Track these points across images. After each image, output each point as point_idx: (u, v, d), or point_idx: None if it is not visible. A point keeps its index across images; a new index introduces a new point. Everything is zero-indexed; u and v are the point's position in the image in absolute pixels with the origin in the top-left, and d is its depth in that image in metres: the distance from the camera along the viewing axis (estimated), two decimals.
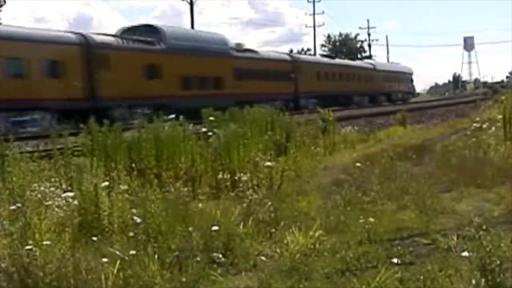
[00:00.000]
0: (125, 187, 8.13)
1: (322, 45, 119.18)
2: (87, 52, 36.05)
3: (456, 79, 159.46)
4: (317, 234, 6.68)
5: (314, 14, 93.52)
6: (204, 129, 12.34)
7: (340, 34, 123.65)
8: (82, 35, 36.82)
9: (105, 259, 5.65)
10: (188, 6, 61.29)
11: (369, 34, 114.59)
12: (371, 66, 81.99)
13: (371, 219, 7.05)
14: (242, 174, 9.53)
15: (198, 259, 6.04)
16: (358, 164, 11.24)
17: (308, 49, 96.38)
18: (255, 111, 16.94)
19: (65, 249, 5.78)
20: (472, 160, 11.42)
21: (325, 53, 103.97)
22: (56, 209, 7.09)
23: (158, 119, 11.44)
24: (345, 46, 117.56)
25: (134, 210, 7.21)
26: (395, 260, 5.94)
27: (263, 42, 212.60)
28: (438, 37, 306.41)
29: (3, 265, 5.44)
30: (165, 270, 5.73)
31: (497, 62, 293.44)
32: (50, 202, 7.15)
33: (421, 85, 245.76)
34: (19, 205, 6.70)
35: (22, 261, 5.34)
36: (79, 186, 7.58)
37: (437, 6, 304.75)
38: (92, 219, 7.18)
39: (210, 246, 6.41)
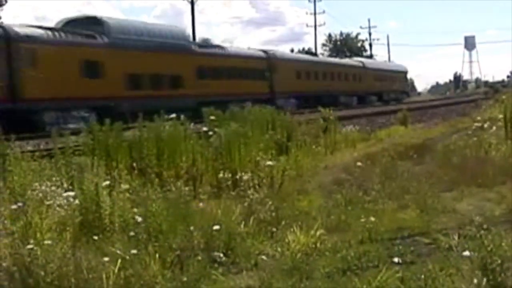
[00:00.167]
0: (126, 186, 8.14)
1: (323, 45, 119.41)
2: (7, 46, 31.54)
3: (457, 78, 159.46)
4: (318, 233, 6.68)
5: (315, 13, 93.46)
6: (205, 128, 12.33)
7: (341, 34, 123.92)
8: (1, 27, 32.81)
9: (106, 258, 5.65)
10: (189, 6, 61.22)
11: (370, 34, 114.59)
12: (360, 64, 77.38)
13: (372, 218, 7.06)
14: (243, 174, 9.54)
15: (199, 258, 6.04)
16: (359, 163, 11.23)
17: (309, 49, 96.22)
18: (256, 110, 16.94)
19: (66, 248, 5.78)
20: (473, 159, 11.42)
21: (326, 52, 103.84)
22: (57, 208, 7.09)
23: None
24: (346, 46, 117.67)
25: (135, 209, 7.21)
26: (396, 260, 5.94)
27: (264, 41, 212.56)
28: (439, 36, 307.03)
29: (4, 264, 5.44)
30: (166, 270, 5.73)
31: (498, 62, 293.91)
32: (51, 202, 7.15)
33: (422, 84, 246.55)
34: (20, 204, 6.70)
35: (23, 260, 5.35)
36: (80, 185, 7.59)
37: (438, 6, 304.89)
38: (93, 218, 7.18)
39: (211, 245, 6.41)
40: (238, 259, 6.25)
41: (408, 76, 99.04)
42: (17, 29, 32.85)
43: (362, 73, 74.68)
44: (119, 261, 5.60)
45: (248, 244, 6.64)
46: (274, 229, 7.20)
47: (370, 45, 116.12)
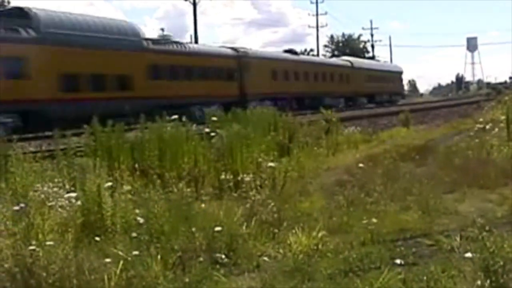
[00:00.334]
0: (128, 187, 8.15)
1: (325, 46, 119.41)
2: None
3: (459, 79, 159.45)
4: (320, 234, 6.68)
5: (317, 14, 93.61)
6: (207, 130, 12.34)
7: (343, 35, 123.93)
8: None
9: (108, 260, 5.65)
10: (191, 7, 61.29)
11: (372, 35, 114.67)
12: (348, 64, 72.70)
13: (374, 220, 7.05)
14: (245, 175, 9.53)
15: (201, 259, 6.04)
16: (361, 165, 11.22)
17: (311, 50, 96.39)
18: (258, 111, 16.95)
19: (68, 249, 5.77)
20: (475, 161, 11.41)
21: (328, 53, 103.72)
22: (59, 209, 7.10)
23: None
24: (348, 47, 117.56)
25: (137, 211, 7.21)
26: (398, 261, 5.94)
27: (266, 42, 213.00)
28: (441, 37, 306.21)
29: (6, 265, 5.44)
30: (168, 271, 5.73)
31: (500, 63, 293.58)
32: (53, 203, 7.16)
33: (424, 85, 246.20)
34: (22, 205, 6.69)
35: (25, 262, 5.35)
36: (82, 186, 7.59)
37: (440, 7, 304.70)
38: (95, 220, 7.18)
39: (213, 246, 6.41)
40: (240, 261, 6.25)
41: (411, 77, 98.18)
42: None
43: (350, 73, 70.50)
44: (121, 262, 5.60)
45: (250, 246, 6.64)
46: (276, 231, 7.19)
47: (372, 46, 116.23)
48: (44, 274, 5.25)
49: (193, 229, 6.52)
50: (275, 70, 54.64)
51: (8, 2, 58.65)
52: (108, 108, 29.37)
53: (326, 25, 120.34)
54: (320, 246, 6.53)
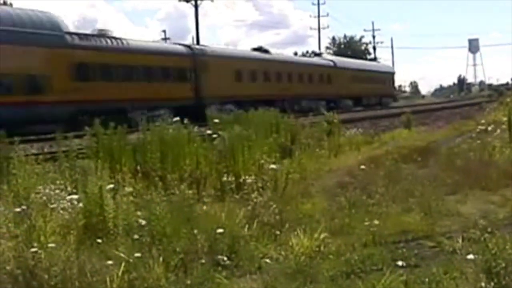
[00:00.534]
0: (130, 189, 8.15)
1: (327, 48, 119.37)
2: None
3: (461, 81, 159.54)
4: (322, 236, 6.67)
5: (319, 16, 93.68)
6: (208, 132, 12.34)
7: (345, 36, 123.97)
8: None
9: (110, 262, 5.66)
10: (193, 8, 61.32)
11: (373, 37, 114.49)
12: (330, 63, 66.36)
13: (376, 222, 7.05)
14: (246, 177, 9.55)
15: (203, 261, 6.04)
16: (362, 167, 11.23)
17: (313, 52, 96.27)
18: (260, 113, 16.96)
19: (70, 251, 5.78)
20: (477, 162, 11.41)
21: (330, 56, 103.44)
22: (61, 211, 7.11)
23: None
24: (350, 49, 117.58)
25: (139, 213, 7.22)
26: (400, 263, 5.94)
27: (268, 44, 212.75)
28: (443, 39, 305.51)
29: (8, 267, 5.45)
30: (170, 273, 5.73)
31: (502, 64, 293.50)
32: (55, 205, 7.17)
33: (426, 87, 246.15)
34: (24, 207, 6.71)
35: (27, 264, 5.35)
36: (84, 188, 7.59)
37: (442, 8, 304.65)
38: (97, 222, 7.18)
39: (215, 248, 6.41)
40: (241, 262, 6.25)
41: (412, 79, 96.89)
42: None
43: (332, 73, 64.33)
44: (123, 264, 5.61)
45: (252, 247, 6.64)
46: (278, 232, 7.19)
47: (374, 48, 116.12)
48: (46, 276, 5.25)
49: (195, 231, 6.52)
50: (239, 70, 48.82)
51: (11, 4, 58.64)
52: (16, 114, 27.36)
53: (328, 26, 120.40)
54: (322, 248, 6.53)
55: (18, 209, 6.73)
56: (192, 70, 43.43)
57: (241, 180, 9.76)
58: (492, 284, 4.91)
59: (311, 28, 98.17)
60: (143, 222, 6.76)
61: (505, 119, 14.96)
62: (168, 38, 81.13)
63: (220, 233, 6.53)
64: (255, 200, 8.08)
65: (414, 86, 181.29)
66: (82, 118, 18.44)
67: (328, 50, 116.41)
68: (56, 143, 11.10)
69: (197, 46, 46.60)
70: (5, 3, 56.97)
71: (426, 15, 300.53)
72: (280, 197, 9.04)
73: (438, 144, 16.49)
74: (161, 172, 10.32)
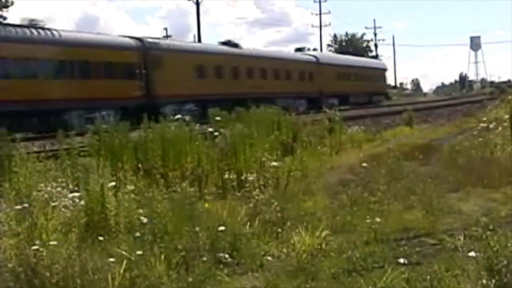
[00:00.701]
0: (132, 187, 8.14)
1: (329, 45, 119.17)
2: None
3: (463, 78, 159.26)
4: (323, 234, 6.67)
5: (320, 14, 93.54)
6: (210, 129, 12.34)
7: (347, 34, 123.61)
8: None
9: (111, 259, 5.66)
10: (194, 6, 61.22)
11: (375, 34, 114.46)
12: (312, 59, 61.42)
13: (378, 219, 7.05)
14: (248, 174, 9.55)
15: (205, 259, 6.04)
16: (364, 164, 11.23)
17: (315, 49, 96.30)
18: (262, 111, 16.96)
19: (72, 249, 5.78)
20: (479, 160, 11.41)
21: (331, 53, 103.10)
22: (63, 209, 7.11)
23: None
24: (352, 46, 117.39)
25: (140, 210, 7.21)
26: (401, 260, 5.94)
27: (269, 42, 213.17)
28: (444, 36, 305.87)
29: (10, 265, 5.46)
30: (171, 270, 5.73)
31: (504, 62, 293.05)
32: (56, 203, 7.16)
33: (427, 84, 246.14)
34: (25, 205, 6.71)
35: (29, 261, 5.36)
36: (86, 186, 7.59)
37: (444, 6, 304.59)
38: (98, 219, 7.19)
39: (216, 246, 6.41)
40: (243, 260, 6.25)
41: (414, 76, 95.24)
42: None
43: (315, 70, 59.56)
44: (125, 262, 5.60)
45: (254, 245, 6.64)
46: (280, 230, 7.20)
47: (376, 45, 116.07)
48: (48, 273, 5.26)
49: (197, 229, 6.52)
50: (202, 66, 44.06)
51: (12, 3, 58.60)
52: None
53: (329, 24, 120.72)
54: (323, 246, 6.52)
55: (19, 207, 6.73)
56: (142, 66, 38.31)
57: (242, 177, 9.76)
58: (494, 281, 4.90)
59: (312, 26, 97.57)
60: (145, 220, 6.76)
61: (506, 116, 14.94)
62: (170, 36, 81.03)
63: (221, 231, 6.53)
64: (256, 197, 8.08)
65: (415, 83, 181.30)
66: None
67: (329, 48, 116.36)
68: (57, 141, 11.09)
69: (149, 39, 41.00)
70: (6, 5, 56.90)
71: (428, 13, 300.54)
72: (282, 195, 9.04)
73: (439, 141, 16.50)
74: (163, 170, 10.33)
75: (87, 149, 10.52)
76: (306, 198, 9.26)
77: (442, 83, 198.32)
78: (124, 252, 5.91)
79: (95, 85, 34.20)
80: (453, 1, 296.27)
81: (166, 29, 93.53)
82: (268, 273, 5.82)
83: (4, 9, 56.50)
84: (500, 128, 14.21)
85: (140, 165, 10.42)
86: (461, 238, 6.57)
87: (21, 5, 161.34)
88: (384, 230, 6.95)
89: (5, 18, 54.06)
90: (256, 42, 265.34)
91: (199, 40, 57.46)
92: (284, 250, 6.54)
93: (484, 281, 4.95)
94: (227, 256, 6.26)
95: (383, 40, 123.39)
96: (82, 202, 7.24)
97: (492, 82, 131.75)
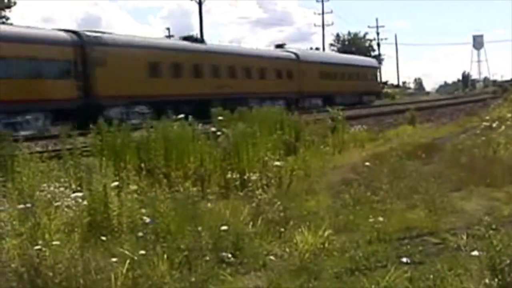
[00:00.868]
0: (134, 187, 8.15)
1: (331, 45, 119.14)
2: None
3: (466, 77, 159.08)
4: (326, 233, 6.67)
5: (323, 13, 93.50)
6: (213, 129, 12.34)
7: (349, 33, 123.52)
8: None
9: (114, 259, 5.66)
10: (196, 6, 61.22)
11: (378, 33, 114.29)
12: (292, 56, 56.16)
13: (380, 218, 7.05)
14: (251, 174, 9.55)
15: (207, 258, 6.04)
16: (367, 163, 11.21)
17: (317, 48, 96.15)
18: (264, 110, 16.96)
19: (75, 249, 5.79)
20: (482, 159, 11.38)
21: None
22: (66, 209, 7.11)
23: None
24: (354, 45, 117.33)
25: (143, 210, 7.21)
26: (404, 259, 5.94)
27: (272, 41, 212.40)
28: (447, 35, 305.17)
29: (13, 265, 5.46)
30: (174, 270, 5.74)
31: (506, 61, 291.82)
32: (59, 203, 7.17)
33: (430, 84, 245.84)
34: (28, 205, 6.72)
35: (32, 261, 5.36)
36: (89, 186, 7.60)
37: (446, 5, 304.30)
38: (101, 219, 7.20)
39: (219, 245, 6.41)
40: (246, 260, 6.25)
41: (417, 75, 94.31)
42: None
43: (294, 68, 54.73)
44: (128, 261, 5.61)
45: (256, 245, 6.64)
46: (282, 229, 7.19)
47: (378, 44, 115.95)
48: (51, 273, 5.26)
49: (199, 228, 6.52)
50: (155, 63, 39.17)
51: (14, 3, 58.72)
52: None
53: (332, 23, 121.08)
54: (326, 245, 6.52)
55: (22, 207, 6.74)
56: (80, 63, 33.74)
57: (245, 177, 9.76)
58: (497, 280, 4.90)
59: (315, 25, 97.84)
60: (148, 220, 6.77)
61: (509, 115, 14.98)
62: (172, 36, 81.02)
63: (224, 230, 6.53)
64: (259, 197, 8.07)
65: (418, 82, 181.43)
66: None
67: (332, 47, 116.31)
68: (60, 141, 11.10)
69: (89, 33, 35.92)
70: (9, 5, 56.97)
71: (430, 12, 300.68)
72: (285, 194, 9.05)
73: (442, 140, 16.48)
74: (166, 170, 10.32)
75: (90, 149, 10.53)
76: (309, 197, 9.25)
77: (445, 82, 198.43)
78: (127, 252, 5.91)
79: (17, 85, 29.77)
80: (456, 0, 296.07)
81: (168, 29, 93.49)
82: (271, 273, 5.83)
83: (7, 9, 56.54)
84: (503, 127, 14.22)
85: (142, 165, 10.42)
86: (464, 237, 6.57)
87: (22, 5, 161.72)
88: (387, 229, 6.95)
89: (7, 19, 54.16)
90: (258, 41, 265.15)
91: (202, 40, 57.18)
92: (287, 249, 6.54)
93: (487, 280, 4.95)
94: (229, 255, 6.26)
95: (385, 39, 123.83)
96: (85, 202, 7.24)
97: (495, 81, 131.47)
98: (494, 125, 14.67)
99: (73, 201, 7.21)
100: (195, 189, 8.27)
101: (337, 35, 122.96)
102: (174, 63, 40.78)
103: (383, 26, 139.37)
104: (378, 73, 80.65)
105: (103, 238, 6.64)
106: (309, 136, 15.88)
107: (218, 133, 11.76)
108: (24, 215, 6.61)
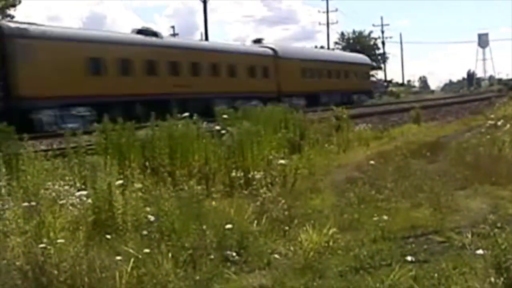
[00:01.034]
0: (139, 185, 8.15)
1: (336, 43, 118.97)
2: None
3: (471, 76, 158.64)
4: (330, 232, 6.66)
5: (327, 11, 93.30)
6: (217, 127, 12.34)
7: (354, 32, 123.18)
8: None
9: (119, 257, 5.66)
10: (201, 4, 61.12)
11: (382, 32, 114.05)
12: (268, 52, 51.03)
13: (385, 217, 7.05)
14: (255, 172, 9.54)
15: (212, 257, 6.05)
16: (372, 162, 11.21)
17: (322, 47, 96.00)
18: (269, 109, 16.96)
19: (79, 247, 5.78)
20: (487, 157, 11.36)
21: (338, 51, 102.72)
22: (70, 207, 7.11)
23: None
24: (359, 44, 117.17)
25: (148, 209, 7.22)
26: (409, 258, 5.93)
27: (277, 40, 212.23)
28: (452, 34, 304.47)
29: (18, 263, 5.46)
30: (179, 268, 5.73)
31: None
32: (64, 201, 7.17)
33: (435, 82, 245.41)
34: (33, 203, 6.72)
35: (37, 259, 5.37)
36: (93, 184, 7.61)
37: (451, 3, 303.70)
38: (106, 218, 7.20)
39: (223, 244, 6.42)
40: (250, 258, 6.25)
41: (422, 74, 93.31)
42: None
43: (271, 65, 49.95)
44: (132, 260, 5.61)
45: (261, 243, 6.64)
46: (287, 228, 7.20)
47: (383, 43, 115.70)
48: (56, 272, 5.27)
49: (204, 227, 6.52)
50: (98, 59, 34.44)
51: (20, 2, 58.69)
52: None
53: (337, 22, 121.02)
54: (331, 243, 6.52)
55: (27, 205, 6.74)
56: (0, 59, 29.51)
57: (250, 175, 9.75)
58: (502, 279, 4.89)
59: (320, 24, 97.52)
60: (152, 218, 6.77)
61: None
62: (177, 34, 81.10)
63: (229, 229, 6.53)
64: (264, 195, 8.08)
65: (423, 81, 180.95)
66: None
67: (337, 45, 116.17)
68: (65, 140, 11.11)
69: (11, 25, 31.89)
70: (14, 4, 56.94)
71: (435, 10, 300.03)
72: (289, 193, 9.04)
73: (447, 139, 16.46)
74: (170, 168, 10.33)
75: (95, 148, 10.53)
76: (314, 196, 9.25)
77: (450, 81, 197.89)
78: (131, 250, 5.92)
79: None
80: None
81: (173, 27, 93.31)
82: (276, 271, 5.83)
83: (12, 8, 56.55)
84: (508, 126, 14.16)
85: (147, 163, 10.43)
86: (469, 235, 6.56)
87: (27, 4, 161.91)
88: (391, 228, 6.94)
89: (13, 17, 54.15)
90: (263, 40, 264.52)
91: (206, 39, 57.15)
92: (292, 248, 6.53)
93: (492, 279, 4.94)
94: (234, 254, 6.27)
95: (390, 37, 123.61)
96: (90, 200, 7.24)
97: (500, 80, 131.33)
98: (499, 123, 14.62)
99: (77, 200, 7.21)
100: (199, 187, 8.26)
101: (342, 34, 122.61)
102: (122, 58, 35.91)
103: (388, 25, 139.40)
104: (370, 71, 76.90)
105: (108, 236, 6.64)
106: (314, 134, 15.88)
107: (223, 131, 11.76)
108: (29, 213, 6.61)
